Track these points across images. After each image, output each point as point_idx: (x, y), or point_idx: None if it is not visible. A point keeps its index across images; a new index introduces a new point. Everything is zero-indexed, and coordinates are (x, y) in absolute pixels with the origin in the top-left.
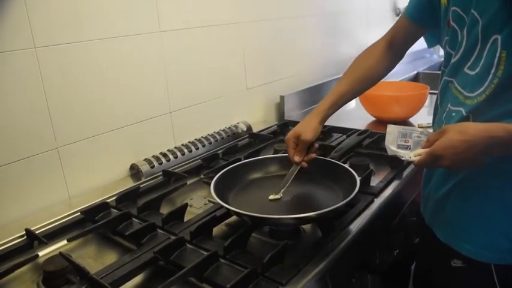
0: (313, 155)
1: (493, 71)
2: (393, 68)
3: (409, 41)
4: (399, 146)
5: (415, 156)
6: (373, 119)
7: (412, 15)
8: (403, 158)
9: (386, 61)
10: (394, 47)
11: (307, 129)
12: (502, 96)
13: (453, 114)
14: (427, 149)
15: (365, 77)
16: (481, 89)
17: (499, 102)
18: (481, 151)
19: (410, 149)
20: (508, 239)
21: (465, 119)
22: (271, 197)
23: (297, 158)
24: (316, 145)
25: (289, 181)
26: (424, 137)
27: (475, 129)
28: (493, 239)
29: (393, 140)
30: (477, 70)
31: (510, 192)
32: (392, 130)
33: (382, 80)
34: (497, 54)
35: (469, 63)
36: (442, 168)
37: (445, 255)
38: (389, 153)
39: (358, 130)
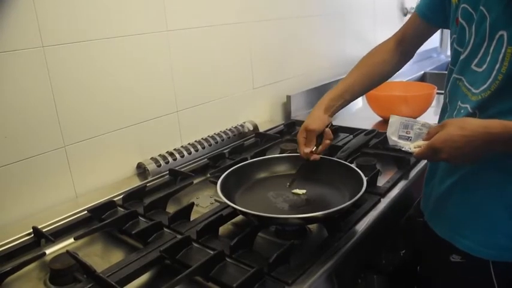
0: (327, 142)
1: (497, 66)
2: (401, 67)
3: (420, 39)
4: (400, 137)
5: (415, 147)
6: (380, 119)
7: (424, 13)
8: (403, 149)
9: (394, 59)
10: (403, 45)
11: (312, 119)
12: (507, 92)
13: (462, 111)
14: (427, 142)
15: (372, 73)
16: (486, 85)
17: (503, 98)
18: (479, 146)
19: (411, 140)
20: (507, 236)
21: (471, 115)
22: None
23: (306, 149)
24: (328, 130)
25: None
26: (425, 130)
27: (474, 124)
28: (492, 235)
29: (395, 131)
30: (484, 67)
31: (510, 190)
32: (394, 121)
33: (389, 80)
34: (503, 50)
35: (476, 60)
36: (444, 165)
37: (444, 250)
38: (390, 143)
39: (364, 130)
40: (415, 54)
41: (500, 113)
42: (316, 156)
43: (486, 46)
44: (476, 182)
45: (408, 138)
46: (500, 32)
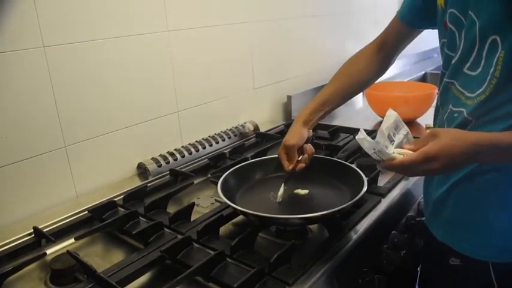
0: (306, 156)
1: (491, 71)
2: (384, 72)
3: (401, 42)
4: (388, 136)
5: (398, 154)
6: (380, 119)
7: (405, 16)
8: (374, 152)
9: (376, 65)
10: (385, 49)
11: (290, 134)
12: (501, 96)
13: (455, 115)
14: (412, 150)
15: (352, 83)
16: (481, 89)
17: (498, 102)
18: (470, 158)
19: (393, 144)
20: (505, 237)
21: (466, 119)
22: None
23: (289, 166)
24: (308, 145)
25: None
26: (406, 140)
27: (466, 136)
28: (490, 237)
29: (389, 127)
30: (478, 70)
31: (507, 191)
32: (392, 115)
33: (390, 80)
34: (497, 55)
35: (468, 64)
36: None
37: (443, 253)
38: (378, 139)
39: (365, 130)
40: (416, 54)
41: (496, 117)
42: (301, 165)
43: (478, 50)
44: (473, 184)
45: (391, 142)
46: (493, 37)
